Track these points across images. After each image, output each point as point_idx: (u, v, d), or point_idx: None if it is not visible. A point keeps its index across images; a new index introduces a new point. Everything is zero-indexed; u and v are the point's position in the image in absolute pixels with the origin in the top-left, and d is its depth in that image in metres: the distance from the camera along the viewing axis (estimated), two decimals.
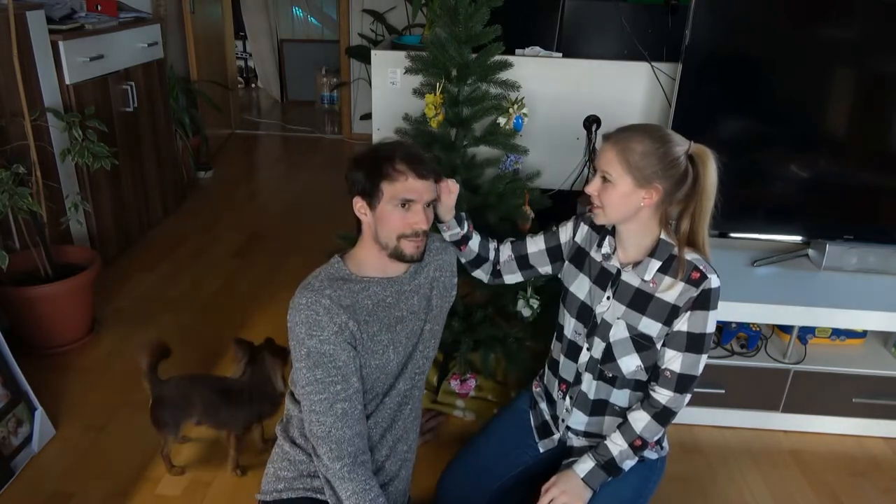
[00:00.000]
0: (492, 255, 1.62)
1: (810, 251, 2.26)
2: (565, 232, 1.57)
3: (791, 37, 2.04)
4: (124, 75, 3.06)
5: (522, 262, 1.61)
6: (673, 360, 1.38)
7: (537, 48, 2.29)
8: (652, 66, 2.20)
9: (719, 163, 1.33)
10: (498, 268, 1.63)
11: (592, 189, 1.37)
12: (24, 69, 2.31)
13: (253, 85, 7.27)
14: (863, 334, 2.21)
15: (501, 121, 1.99)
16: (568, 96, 2.24)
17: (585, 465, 1.43)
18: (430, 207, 1.35)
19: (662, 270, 1.38)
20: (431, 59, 1.90)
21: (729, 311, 1.97)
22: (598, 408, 1.52)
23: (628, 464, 1.44)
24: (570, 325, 1.51)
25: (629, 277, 1.42)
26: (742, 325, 2.16)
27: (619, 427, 1.45)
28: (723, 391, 2.11)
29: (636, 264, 1.41)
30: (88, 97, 2.76)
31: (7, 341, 1.95)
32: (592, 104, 2.22)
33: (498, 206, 2.00)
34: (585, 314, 1.48)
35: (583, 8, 2.51)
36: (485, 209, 1.99)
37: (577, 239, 1.54)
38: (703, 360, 1.39)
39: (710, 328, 1.37)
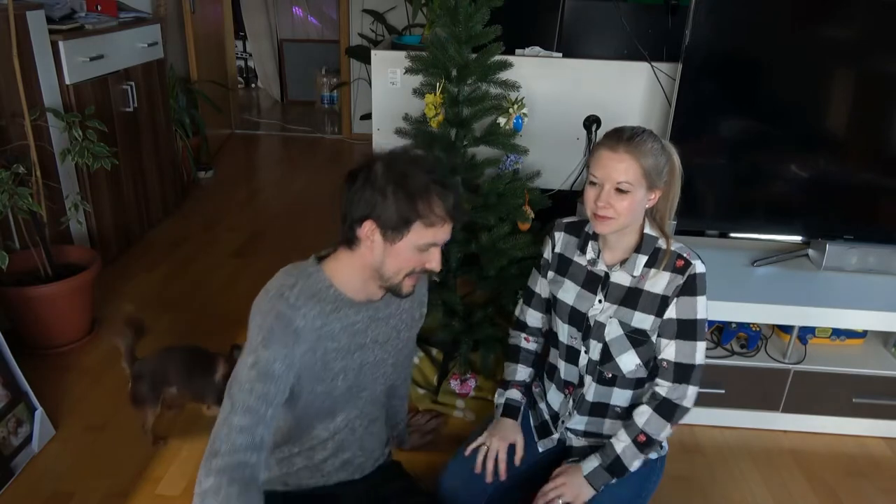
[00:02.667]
0: (535, 346, 1.66)
1: (810, 251, 2.26)
2: (547, 251, 1.58)
3: (791, 37, 2.04)
4: (124, 75, 3.06)
5: (547, 304, 1.60)
6: (667, 349, 1.40)
7: (537, 48, 2.29)
8: (652, 66, 2.20)
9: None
10: (545, 330, 1.65)
11: (605, 201, 1.32)
12: (24, 69, 2.31)
13: (253, 85, 7.27)
14: (863, 334, 2.21)
15: (501, 121, 1.99)
16: (568, 96, 2.24)
17: (590, 463, 1.44)
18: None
19: (649, 264, 1.40)
20: (431, 59, 1.90)
21: (729, 311, 1.97)
22: (597, 410, 1.52)
23: (636, 464, 1.43)
24: (565, 331, 1.52)
25: (619, 277, 1.43)
26: (742, 325, 2.16)
27: (623, 425, 1.45)
28: (723, 391, 2.11)
29: (623, 262, 1.42)
30: (88, 97, 2.76)
31: (7, 341, 1.95)
32: (592, 104, 2.22)
33: (498, 206, 2.00)
34: (577, 318, 1.48)
35: (583, 8, 2.51)
36: (485, 209, 1.99)
37: (558, 249, 1.55)
38: (700, 347, 1.39)
39: (701, 314, 1.38)
